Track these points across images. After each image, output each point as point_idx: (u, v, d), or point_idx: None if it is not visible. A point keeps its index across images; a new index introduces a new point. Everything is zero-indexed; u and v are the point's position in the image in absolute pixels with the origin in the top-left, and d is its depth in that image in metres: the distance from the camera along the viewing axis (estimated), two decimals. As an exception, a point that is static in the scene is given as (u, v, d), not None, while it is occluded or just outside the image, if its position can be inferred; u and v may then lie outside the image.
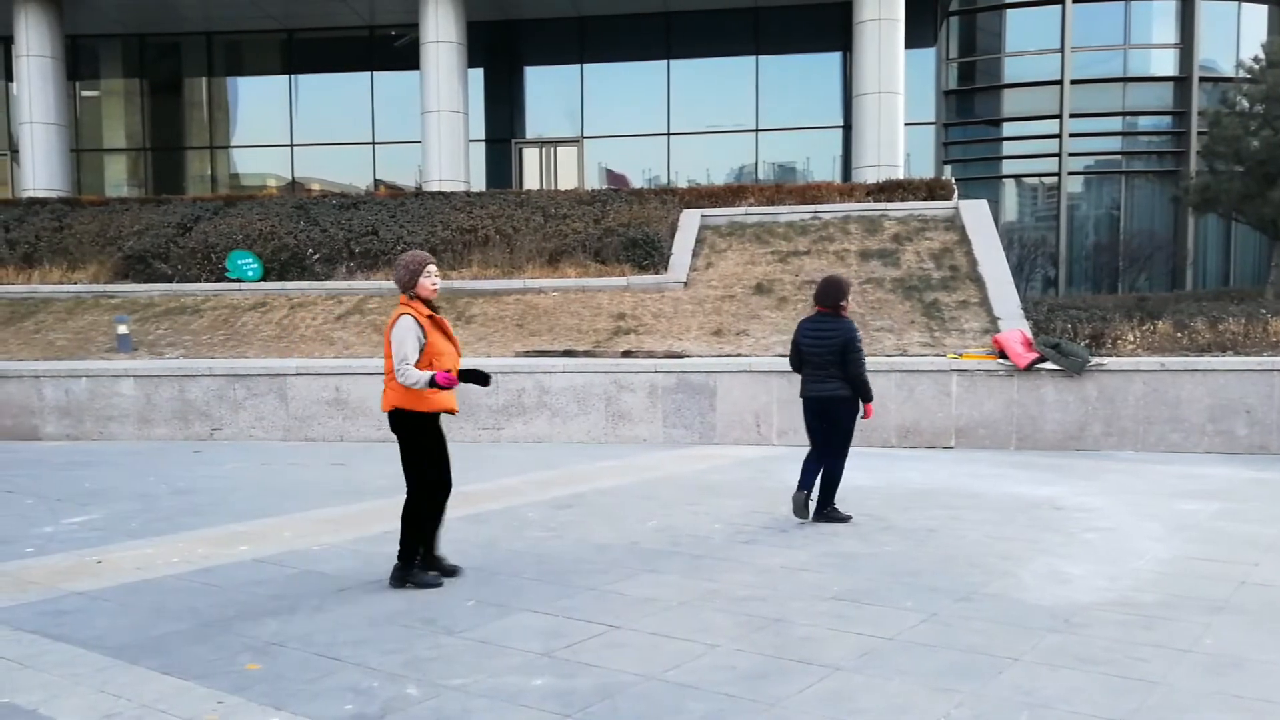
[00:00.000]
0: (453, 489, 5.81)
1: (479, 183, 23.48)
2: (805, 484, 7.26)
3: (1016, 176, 24.63)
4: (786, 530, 7.03)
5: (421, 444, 5.62)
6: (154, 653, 4.53)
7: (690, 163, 24.05)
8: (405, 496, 5.67)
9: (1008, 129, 24.49)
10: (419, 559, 5.68)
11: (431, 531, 5.74)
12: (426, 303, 5.61)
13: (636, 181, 24.07)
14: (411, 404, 5.51)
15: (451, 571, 5.79)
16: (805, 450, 7.47)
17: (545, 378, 11.95)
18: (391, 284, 15.16)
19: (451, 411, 5.68)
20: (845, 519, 7.30)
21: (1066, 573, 5.84)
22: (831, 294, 7.20)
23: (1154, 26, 24.05)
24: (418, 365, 5.44)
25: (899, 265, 14.58)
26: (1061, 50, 23.51)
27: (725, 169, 24.18)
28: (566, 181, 24.02)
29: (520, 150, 24.84)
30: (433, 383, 5.38)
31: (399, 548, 5.66)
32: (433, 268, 5.64)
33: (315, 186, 25.18)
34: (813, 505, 7.35)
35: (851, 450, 7.40)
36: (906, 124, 20.99)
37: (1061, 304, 15.86)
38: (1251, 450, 10.96)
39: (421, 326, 5.47)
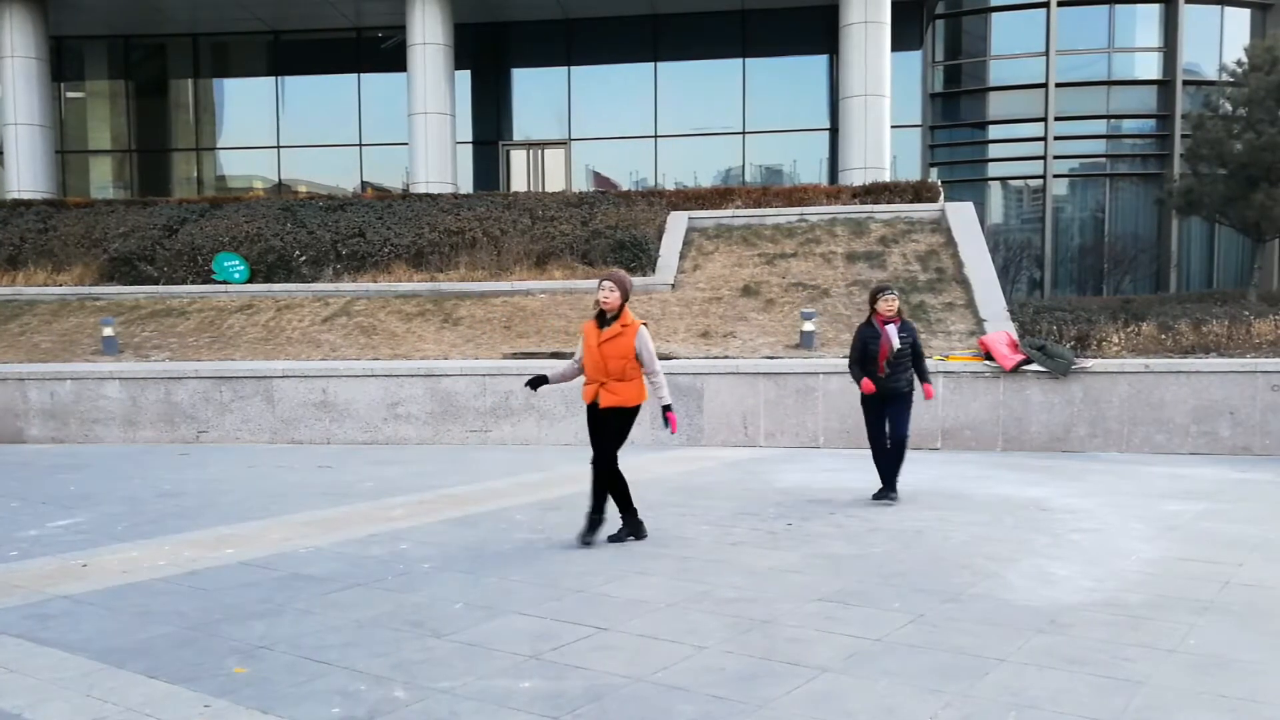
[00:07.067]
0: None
1: (466, 185, 23.45)
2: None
3: (1002, 179, 24.73)
4: (775, 532, 7.04)
5: (627, 432, 6.73)
6: (140, 656, 4.51)
7: (677, 165, 24.06)
8: (601, 468, 6.60)
9: (993, 131, 24.57)
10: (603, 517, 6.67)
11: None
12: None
13: (624, 184, 24.07)
14: (639, 401, 6.70)
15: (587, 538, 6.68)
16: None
17: (533, 380, 11.93)
18: (377, 286, 15.22)
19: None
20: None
21: (1053, 573, 5.86)
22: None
23: (1138, 30, 24.19)
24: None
25: (885, 267, 14.62)
26: (1046, 53, 23.62)
27: (712, 171, 24.20)
28: (554, 184, 24.02)
29: (508, 152, 24.82)
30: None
31: (618, 505, 6.70)
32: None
33: (302, 188, 25.09)
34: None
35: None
36: (893, 126, 21.05)
37: (1047, 306, 15.91)
38: (1235, 451, 11.04)
39: None
